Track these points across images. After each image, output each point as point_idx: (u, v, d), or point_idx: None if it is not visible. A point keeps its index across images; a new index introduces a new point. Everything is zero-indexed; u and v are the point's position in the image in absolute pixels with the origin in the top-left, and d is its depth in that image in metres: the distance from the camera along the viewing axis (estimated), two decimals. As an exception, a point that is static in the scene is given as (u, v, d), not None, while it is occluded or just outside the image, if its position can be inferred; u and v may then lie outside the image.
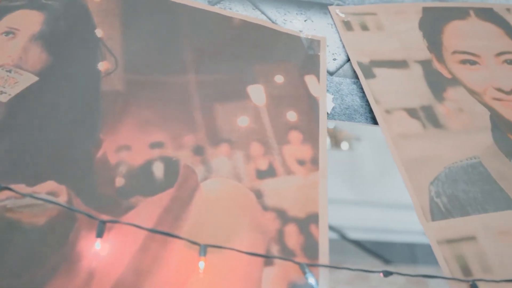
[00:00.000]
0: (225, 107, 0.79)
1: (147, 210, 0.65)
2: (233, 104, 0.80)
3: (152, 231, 0.61)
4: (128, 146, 0.71)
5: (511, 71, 0.98)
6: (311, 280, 0.58)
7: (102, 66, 0.79)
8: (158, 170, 0.69)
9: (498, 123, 0.89)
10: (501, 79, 0.96)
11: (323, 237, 0.66)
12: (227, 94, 0.81)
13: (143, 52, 0.83)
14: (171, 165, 0.70)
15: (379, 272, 0.64)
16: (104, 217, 0.61)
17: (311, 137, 0.78)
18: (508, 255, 0.71)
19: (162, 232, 0.60)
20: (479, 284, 0.66)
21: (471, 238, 0.72)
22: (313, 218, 0.68)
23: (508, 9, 1.12)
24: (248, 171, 0.72)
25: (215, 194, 0.69)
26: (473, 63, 0.98)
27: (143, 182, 0.67)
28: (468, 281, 0.66)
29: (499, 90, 0.94)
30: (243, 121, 0.78)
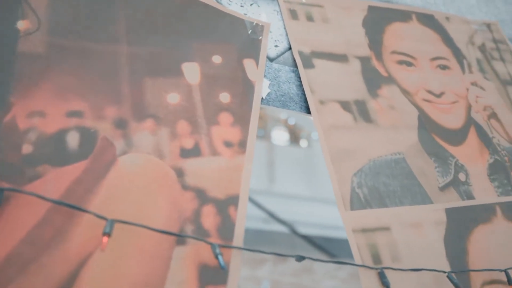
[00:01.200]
0: (156, 82, 0.76)
1: (55, 180, 0.60)
2: (165, 80, 0.77)
3: (56, 202, 0.57)
4: (42, 112, 0.66)
5: (443, 76, 1.03)
6: (221, 261, 0.57)
7: (21, 25, 0.73)
8: (73, 140, 0.65)
9: (424, 123, 0.93)
10: (432, 82, 1.01)
11: (241, 219, 0.65)
12: (160, 69, 0.78)
13: (72, 16, 0.78)
14: (87, 136, 0.66)
15: (292, 256, 0.65)
16: (4, 184, 0.57)
17: (242, 120, 0.77)
18: (417, 246, 0.75)
19: (66, 204, 0.57)
20: (386, 272, 0.69)
21: (386, 229, 0.74)
22: (233, 200, 0.67)
23: (447, 18, 1.17)
24: (172, 149, 0.70)
25: (133, 169, 0.66)
26: (409, 64, 1.02)
27: (53, 151, 0.63)
28: (377, 269, 0.68)
29: (430, 92, 0.99)
30: (173, 98, 0.75)
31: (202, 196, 0.66)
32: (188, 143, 0.71)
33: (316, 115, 0.82)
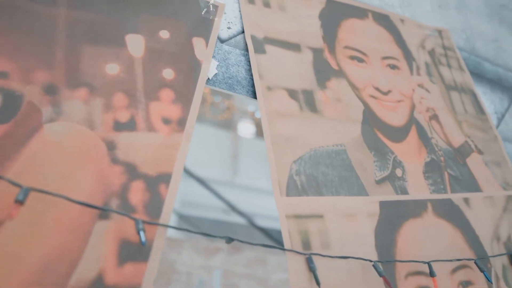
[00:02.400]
0: (95, 50, 0.72)
1: (-33, 143, 0.56)
2: (105, 49, 0.73)
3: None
4: (-40, 69, 0.61)
5: (392, 75, 1.06)
6: (142, 237, 0.56)
7: None
8: (-7, 102, 0.60)
9: (369, 118, 0.95)
10: (381, 80, 1.03)
11: (171, 198, 0.64)
12: (101, 38, 0.74)
13: (6, -30, 0.72)
14: (11, 99, 0.61)
15: (222, 237, 0.64)
16: None
17: (184, 99, 0.75)
18: (348, 235, 0.76)
19: (-25, 168, 0.52)
20: (315, 258, 0.70)
21: (319, 216, 0.75)
22: (165, 178, 0.65)
23: (402, 20, 1.21)
24: (105, 121, 0.66)
25: (58, 138, 0.62)
26: (360, 60, 1.04)
27: (-32, 112, 0.58)
28: (305, 254, 0.69)
29: (377, 89, 1.01)
30: (112, 69, 0.71)
31: (132, 171, 0.64)
32: (123, 116, 0.68)
33: (262, 100, 0.82)
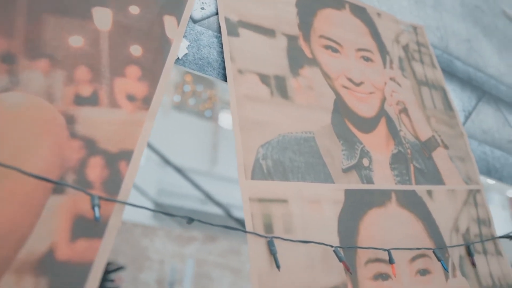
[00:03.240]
0: (59, 21, 0.69)
1: None
2: (70, 21, 0.70)
3: None
4: None
5: (365, 67, 1.07)
6: (97, 212, 0.54)
7: None
8: None
9: (339, 108, 0.96)
10: (354, 71, 1.04)
11: (131, 175, 0.62)
12: (66, 8, 0.71)
13: None
14: (-37, 65, 0.58)
15: (183, 217, 0.63)
16: None
17: (152, 77, 0.73)
18: (311, 221, 0.77)
19: None
20: (276, 241, 0.70)
21: (283, 201, 0.76)
22: (126, 155, 0.64)
23: (379, 14, 1.22)
24: (66, 94, 0.64)
25: (14, 108, 0.59)
26: (335, 50, 1.04)
27: None
28: (266, 237, 0.69)
29: (350, 80, 1.02)
30: (76, 41, 0.69)
31: (91, 147, 0.62)
32: (86, 91, 0.66)
33: (232, 83, 0.81)
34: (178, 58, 0.78)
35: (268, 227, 0.71)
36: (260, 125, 0.81)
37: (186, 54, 0.80)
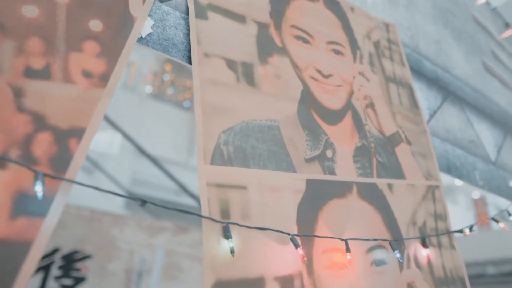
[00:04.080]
0: (12, -11, 0.65)
1: None
2: (24, -11, 0.66)
3: None
4: None
5: (335, 60, 1.08)
6: (39, 190, 0.52)
7: None
8: None
9: (306, 98, 0.96)
10: (324, 63, 1.04)
11: (81, 153, 0.60)
12: (20, -24, 0.67)
13: None
14: None
15: (135, 199, 0.62)
16: None
17: (111, 54, 0.70)
18: (270, 208, 0.77)
19: None
20: (233, 227, 0.70)
21: (243, 188, 0.75)
22: (78, 132, 0.61)
23: (352, 9, 1.23)
24: (15, 65, 0.61)
25: (-45, 77, 0.56)
26: (305, 41, 1.04)
27: None
28: (222, 223, 0.69)
29: (319, 71, 1.02)
30: (30, 11, 0.65)
31: (39, 122, 0.59)
32: (37, 63, 0.63)
33: (197, 66, 0.79)
34: (141, 37, 0.76)
35: (225, 213, 0.70)
36: (224, 111, 0.79)
37: (150, 33, 0.78)
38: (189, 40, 0.83)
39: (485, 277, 5.45)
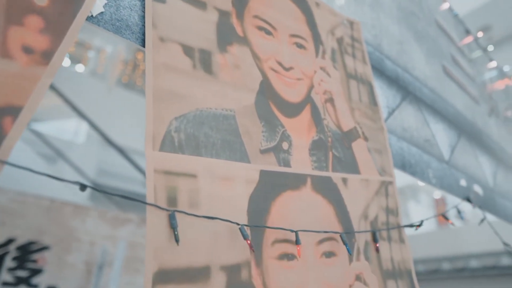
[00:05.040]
0: None
1: None
2: (-40, -45, 0.61)
3: None
4: None
5: (297, 54, 1.08)
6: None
7: None
8: None
9: (265, 90, 0.96)
10: (285, 56, 1.05)
11: (15, 133, 0.56)
12: None
13: None
14: None
15: (74, 183, 0.59)
16: None
17: (56, 31, 0.67)
18: (220, 198, 0.76)
19: None
20: (180, 216, 0.68)
21: (192, 176, 0.74)
22: (13, 111, 0.58)
23: (317, 4, 1.24)
24: None
25: None
26: (268, 32, 1.03)
27: None
28: (168, 210, 0.67)
29: (280, 64, 1.02)
30: (-35, -21, 0.61)
31: (-31, 97, 0.55)
32: (-29, 35, 0.58)
33: (151, 50, 0.77)
34: (92, 15, 0.73)
35: (172, 200, 0.69)
36: (177, 97, 0.78)
37: (102, 12, 0.75)
38: (144, 22, 0.80)
39: (440, 272, 5.73)
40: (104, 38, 7.71)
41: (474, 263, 5.35)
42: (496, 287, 5.29)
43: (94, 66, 7.88)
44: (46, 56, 0.64)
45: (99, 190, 0.60)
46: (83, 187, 0.59)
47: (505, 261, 5.03)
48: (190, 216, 0.70)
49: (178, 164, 0.72)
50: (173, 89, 0.78)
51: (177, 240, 0.65)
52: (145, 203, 0.64)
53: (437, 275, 5.76)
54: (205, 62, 0.86)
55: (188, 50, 0.84)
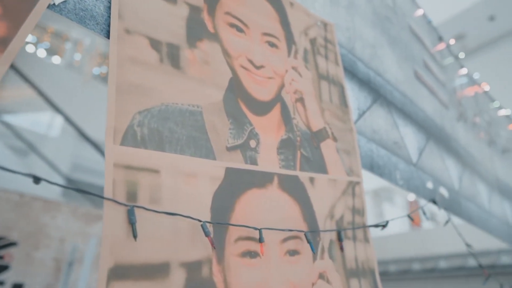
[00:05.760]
0: None
1: None
2: None
3: None
4: None
5: (269, 52, 1.09)
6: None
7: None
8: None
9: (234, 87, 0.95)
10: (256, 54, 1.05)
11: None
12: None
13: None
14: None
15: (26, 175, 0.57)
16: None
17: (14, 17, 0.64)
18: (183, 194, 0.75)
19: None
20: (140, 211, 0.67)
21: (155, 171, 0.73)
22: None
23: (292, 4, 1.24)
24: None
25: None
26: (240, 30, 1.03)
27: None
28: (126, 205, 0.66)
29: (250, 62, 1.02)
30: None
31: None
32: None
33: (115, 42, 0.75)
34: (54, 4, 0.70)
35: (132, 196, 0.68)
36: (142, 91, 0.76)
37: (65, 1, 0.72)
38: (110, 13, 0.78)
39: (411, 272, 5.89)
40: (82, 30, 7.51)
41: (443, 264, 5.53)
42: (463, 287, 5.48)
43: (71, 58, 7.67)
44: (2, 43, 0.62)
45: (52, 182, 0.58)
46: (36, 179, 0.57)
47: (471, 262, 5.22)
48: (151, 212, 0.69)
49: (140, 159, 0.71)
50: (138, 83, 0.76)
51: (135, 236, 0.64)
52: (103, 197, 0.63)
53: (408, 275, 5.92)
54: (173, 56, 0.85)
55: (155, 44, 0.82)
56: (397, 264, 6.02)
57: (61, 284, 3.43)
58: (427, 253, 5.82)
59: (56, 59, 7.48)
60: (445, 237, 5.66)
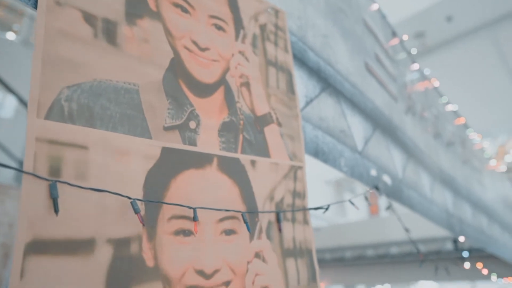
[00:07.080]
0: None
1: None
2: None
3: None
4: None
5: (215, 35, 1.09)
6: None
7: None
8: None
9: (176, 68, 0.95)
10: (201, 36, 1.04)
11: None
12: None
13: None
14: None
15: None
16: None
17: None
18: (112, 171, 0.75)
19: None
20: (64, 188, 0.66)
21: (82, 147, 0.72)
22: None
23: (242, -12, 1.24)
24: None
25: None
26: (185, 10, 1.02)
27: None
28: (48, 180, 0.65)
29: (195, 43, 1.02)
30: None
31: None
32: None
33: (44, 14, 0.73)
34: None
35: (55, 171, 0.66)
36: (72, 65, 0.74)
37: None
38: (40, -17, 0.75)
39: (365, 258, 6.17)
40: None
41: (394, 250, 5.84)
42: (413, 271, 5.82)
43: (26, 34, 7.23)
44: None
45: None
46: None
47: (421, 248, 5.55)
48: (76, 188, 0.68)
49: (66, 134, 0.70)
50: (68, 57, 0.74)
51: (56, 211, 0.64)
52: (21, 171, 0.61)
53: (362, 261, 6.21)
54: (108, 32, 0.83)
55: (89, 18, 0.80)
56: (353, 250, 6.29)
57: (8, 270, 3.29)
58: (381, 239, 6.12)
59: (10, 35, 7.02)
60: (398, 224, 5.97)
